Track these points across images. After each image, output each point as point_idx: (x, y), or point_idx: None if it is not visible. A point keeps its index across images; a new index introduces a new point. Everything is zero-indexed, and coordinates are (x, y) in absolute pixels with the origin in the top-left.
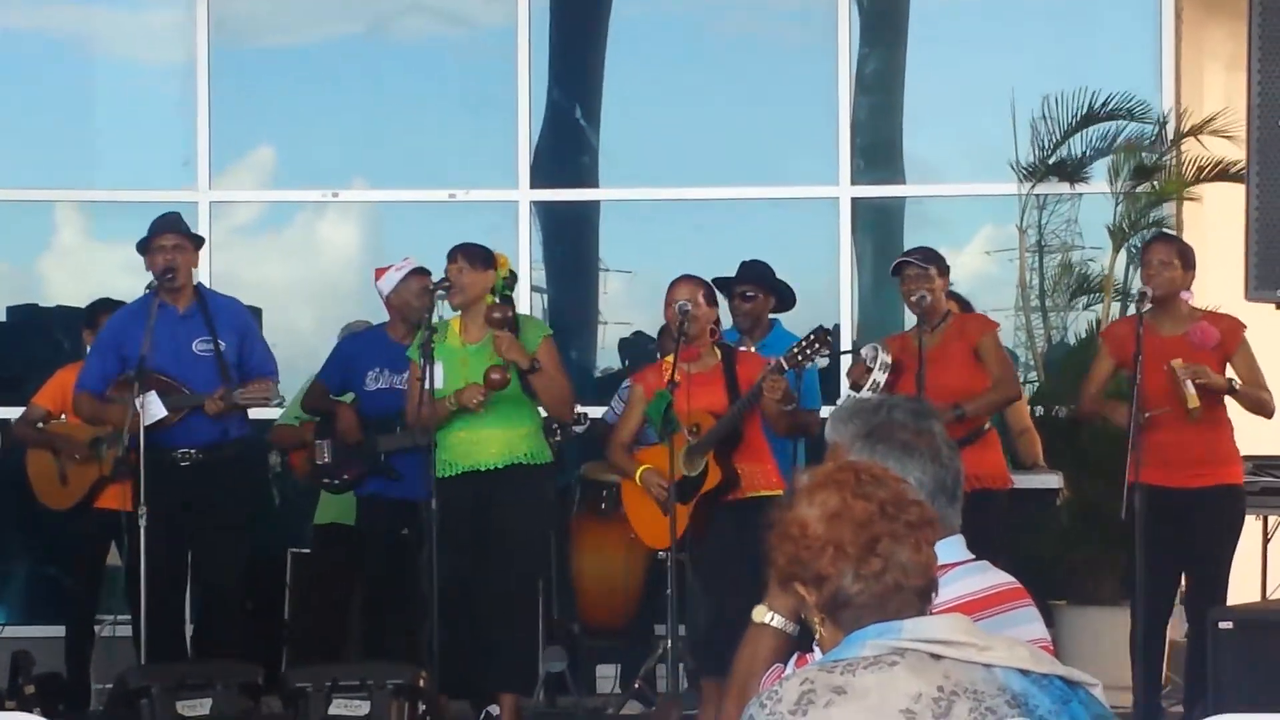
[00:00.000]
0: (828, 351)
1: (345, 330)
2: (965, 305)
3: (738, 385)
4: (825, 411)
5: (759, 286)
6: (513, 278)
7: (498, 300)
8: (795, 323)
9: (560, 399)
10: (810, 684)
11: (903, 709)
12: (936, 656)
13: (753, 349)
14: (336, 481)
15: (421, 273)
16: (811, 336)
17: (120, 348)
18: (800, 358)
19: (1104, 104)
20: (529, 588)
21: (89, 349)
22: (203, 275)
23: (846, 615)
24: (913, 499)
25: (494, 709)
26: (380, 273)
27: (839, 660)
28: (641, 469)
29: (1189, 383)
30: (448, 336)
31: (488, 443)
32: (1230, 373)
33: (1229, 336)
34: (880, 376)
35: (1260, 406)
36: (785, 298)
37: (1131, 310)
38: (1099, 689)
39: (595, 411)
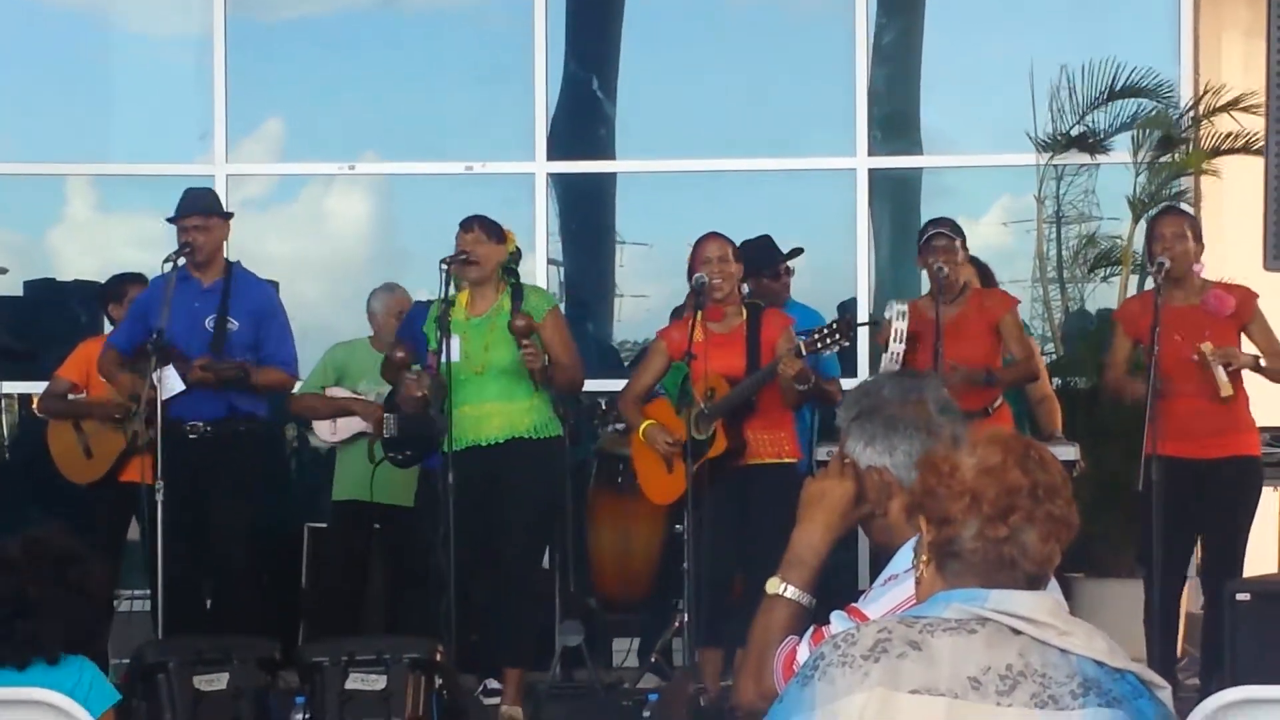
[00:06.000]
0: (848, 343)
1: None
2: (986, 272)
3: (759, 348)
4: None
5: (781, 263)
6: (518, 253)
7: (503, 276)
8: (812, 295)
9: (572, 382)
10: (888, 633)
11: (971, 676)
12: (1016, 631)
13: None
14: (400, 456)
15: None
16: (834, 325)
17: (145, 316)
18: (819, 345)
19: (1127, 81)
20: (534, 563)
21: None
22: None
23: (952, 568)
24: (1067, 496)
25: (491, 682)
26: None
27: (921, 617)
28: (645, 424)
29: (1220, 368)
30: (453, 310)
31: (489, 418)
32: (1247, 344)
33: (1243, 305)
34: (897, 349)
35: None
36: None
37: (1149, 283)
38: (1167, 693)
39: (609, 384)
